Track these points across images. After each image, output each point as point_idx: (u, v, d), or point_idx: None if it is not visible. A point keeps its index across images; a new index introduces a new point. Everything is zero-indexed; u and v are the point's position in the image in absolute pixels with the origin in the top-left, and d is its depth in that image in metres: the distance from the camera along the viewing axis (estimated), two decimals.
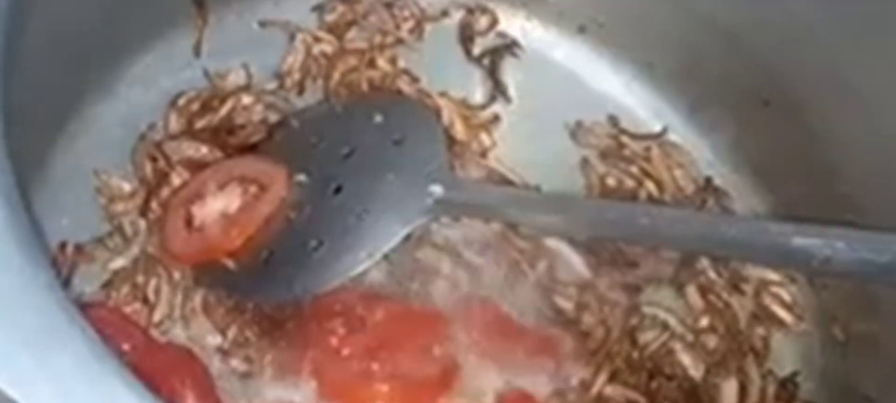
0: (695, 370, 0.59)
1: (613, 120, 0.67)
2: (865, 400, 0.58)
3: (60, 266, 0.55)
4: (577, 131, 0.67)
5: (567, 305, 0.60)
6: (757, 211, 0.65)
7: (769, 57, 0.61)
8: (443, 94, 0.65)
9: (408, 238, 0.57)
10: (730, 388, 0.59)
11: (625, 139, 0.66)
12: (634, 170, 0.65)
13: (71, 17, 0.53)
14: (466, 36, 0.68)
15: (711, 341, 0.60)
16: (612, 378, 0.58)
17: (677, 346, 0.60)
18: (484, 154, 0.65)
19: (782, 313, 0.62)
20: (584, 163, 0.66)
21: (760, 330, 0.61)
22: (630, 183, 0.65)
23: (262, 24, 0.66)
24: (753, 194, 0.66)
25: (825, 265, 0.46)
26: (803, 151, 0.62)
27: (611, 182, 0.65)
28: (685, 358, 0.60)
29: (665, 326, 0.60)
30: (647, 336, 0.60)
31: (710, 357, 0.60)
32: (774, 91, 0.62)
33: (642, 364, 0.59)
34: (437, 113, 0.64)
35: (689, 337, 0.60)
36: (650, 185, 0.65)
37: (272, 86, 0.64)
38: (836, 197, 0.60)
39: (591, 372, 0.58)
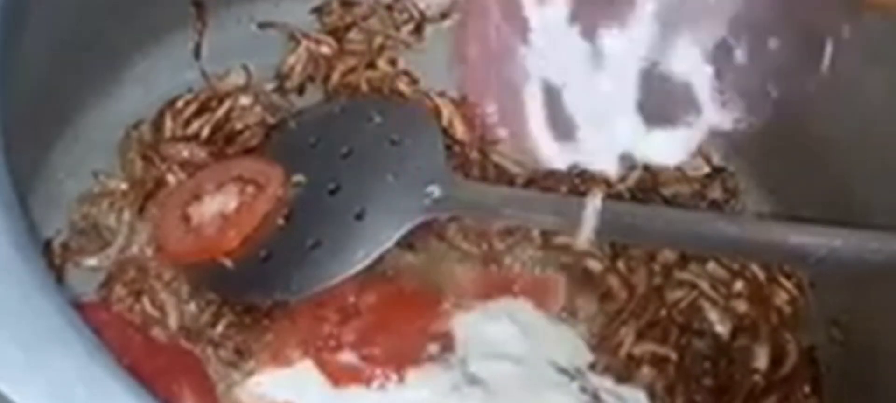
0: (722, 326, 0.60)
1: None
2: (865, 401, 0.58)
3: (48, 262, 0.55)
4: None
5: (597, 267, 0.61)
6: (757, 211, 0.65)
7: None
8: (442, 95, 0.65)
9: (405, 237, 0.57)
10: (762, 353, 0.59)
11: None
12: None
13: (71, 19, 0.53)
14: None
15: (741, 306, 0.61)
16: (640, 337, 0.59)
17: (705, 304, 0.60)
18: (485, 151, 0.65)
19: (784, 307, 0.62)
20: None
21: (784, 296, 0.62)
22: None
23: (262, 25, 0.66)
24: (753, 194, 0.66)
25: (822, 263, 0.46)
26: (803, 151, 0.62)
27: None
28: (712, 315, 0.60)
29: (693, 286, 0.61)
30: (676, 294, 0.61)
31: (740, 321, 0.60)
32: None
33: (672, 320, 0.60)
34: (437, 113, 0.64)
35: (720, 301, 0.61)
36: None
37: (271, 87, 0.65)
38: (836, 196, 0.60)
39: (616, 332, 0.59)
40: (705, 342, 0.60)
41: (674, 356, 0.59)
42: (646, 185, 0.64)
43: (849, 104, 0.58)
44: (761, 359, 0.59)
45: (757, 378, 0.59)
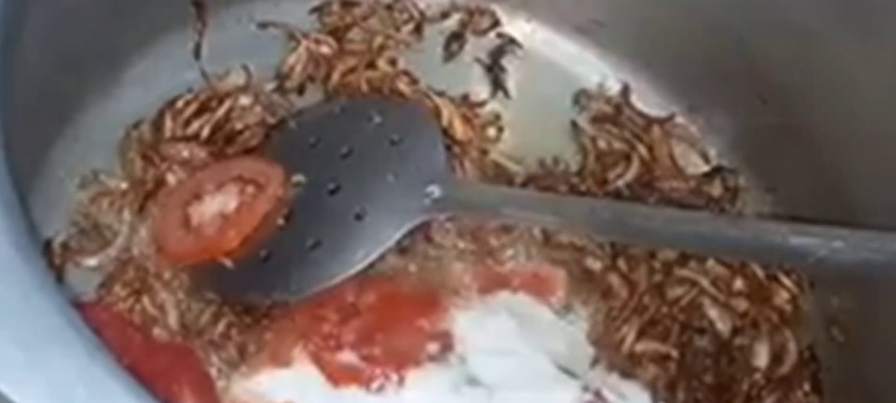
0: (722, 324, 0.60)
1: (626, 91, 0.68)
2: (865, 401, 0.58)
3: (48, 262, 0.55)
4: (580, 95, 0.67)
5: (597, 265, 0.61)
6: (757, 211, 0.65)
7: (769, 56, 0.61)
8: (441, 94, 0.65)
9: (406, 236, 0.57)
10: (763, 351, 0.60)
11: (627, 110, 0.67)
12: (627, 134, 0.66)
13: (70, 19, 0.53)
14: (453, 43, 0.68)
15: (742, 304, 0.61)
16: (641, 334, 0.59)
17: (706, 302, 0.61)
18: (485, 151, 0.65)
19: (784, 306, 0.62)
20: (573, 126, 0.67)
21: (784, 295, 0.62)
22: (619, 145, 0.66)
23: (262, 25, 0.66)
24: (753, 193, 0.66)
25: (822, 263, 0.46)
26: (803, 151, 0.62)
27: (602, 144, 0.66)
28: (712, 313, 0.60)
29: (694, 283, 0.61)
30: (677, 292, 0.61)
31: (741, 319, 0.61)
32: (773, 90, 0.62)
33: (673, 318, 0.60)
34: (436, 113, 0.64)
35: (721, 297, 0.61)
36: (642, 150, 0.65)
37: (271, 86, 0.64)
38: (835, 196, 0.60)
39: (617, 330, 0.59)
40: (706, 339, 0.60)
41: (675, 353, 0.59)
42: (643, 181, 0.65)
43: (849, 103, 0.58)
44: (762, 357, 0.60)
45: (757, 376, 0.59)
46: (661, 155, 0.66)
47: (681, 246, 0.58)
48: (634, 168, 0.65)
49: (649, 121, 0.67)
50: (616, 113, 0.67)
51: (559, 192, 0.63)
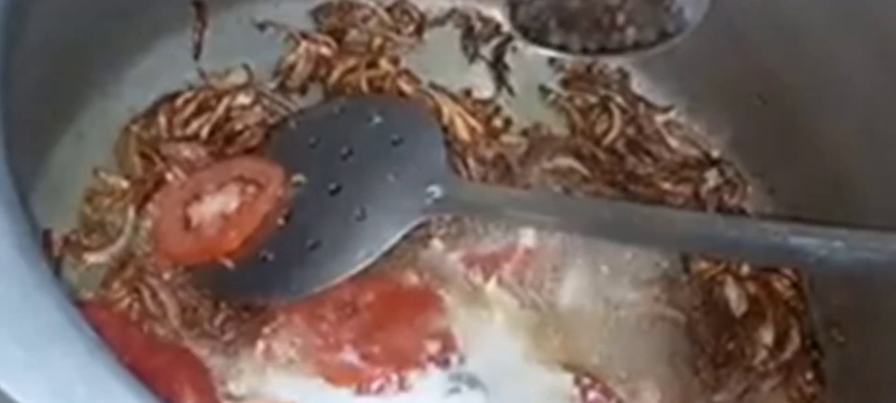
0: (736, 307, 0.61)
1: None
2: (865, 400, 0.58)
3: (46, 255, 0.55)
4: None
5: None
6: (757, 211, 0.65)
7: (768, 56, 0.61)
8: (442, 92, 0.66)
9: (406, 237, 0.57)
10: (767, 334, 0.60)
11: (595, 68, 0.68)
12: (599, 89, 0.67)
13: (71, 19, 0.53)
14: (468, 37, 0.69)
15: (752, 288, 0.61)
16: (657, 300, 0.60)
17: (728, 279, 0.61)
18: (496, 135, 0.65)
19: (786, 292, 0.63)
20: (542, 89, 0.67)
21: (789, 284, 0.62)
22: (594, 99, 0.67)
23: (261, 26, 0.66)
24: (753, 194, 0.66)
25: (822, 263, 0.46)
26: (802, 151, 0.62)
27: (579, 102, 0.67)
28: (731, 293, 0.61)
29: (718, 262, 0.61)
30: (701, 266, 0.61)
31: (753, 304, 0.61)
32: (773, 90, 0.62)
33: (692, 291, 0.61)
34: (437, 112, 0.64)
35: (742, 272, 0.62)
36: (618, 99, 0.66)
37: (272, 86, 0.65)
38: (835, 196, 0.60)
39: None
40: (716, 317, 0.61)
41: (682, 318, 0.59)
42: (633, 139, 0.66)
43: (849, 103, 0.58)
44: (766, 337, 0.60)
45: (759, 357, 0.59)
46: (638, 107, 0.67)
47: (681, 246, 0.58)
48: (617, 118, 0.65)
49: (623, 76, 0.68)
50: (586, 71, 0.68)
51: (563, 163, 0.63)
